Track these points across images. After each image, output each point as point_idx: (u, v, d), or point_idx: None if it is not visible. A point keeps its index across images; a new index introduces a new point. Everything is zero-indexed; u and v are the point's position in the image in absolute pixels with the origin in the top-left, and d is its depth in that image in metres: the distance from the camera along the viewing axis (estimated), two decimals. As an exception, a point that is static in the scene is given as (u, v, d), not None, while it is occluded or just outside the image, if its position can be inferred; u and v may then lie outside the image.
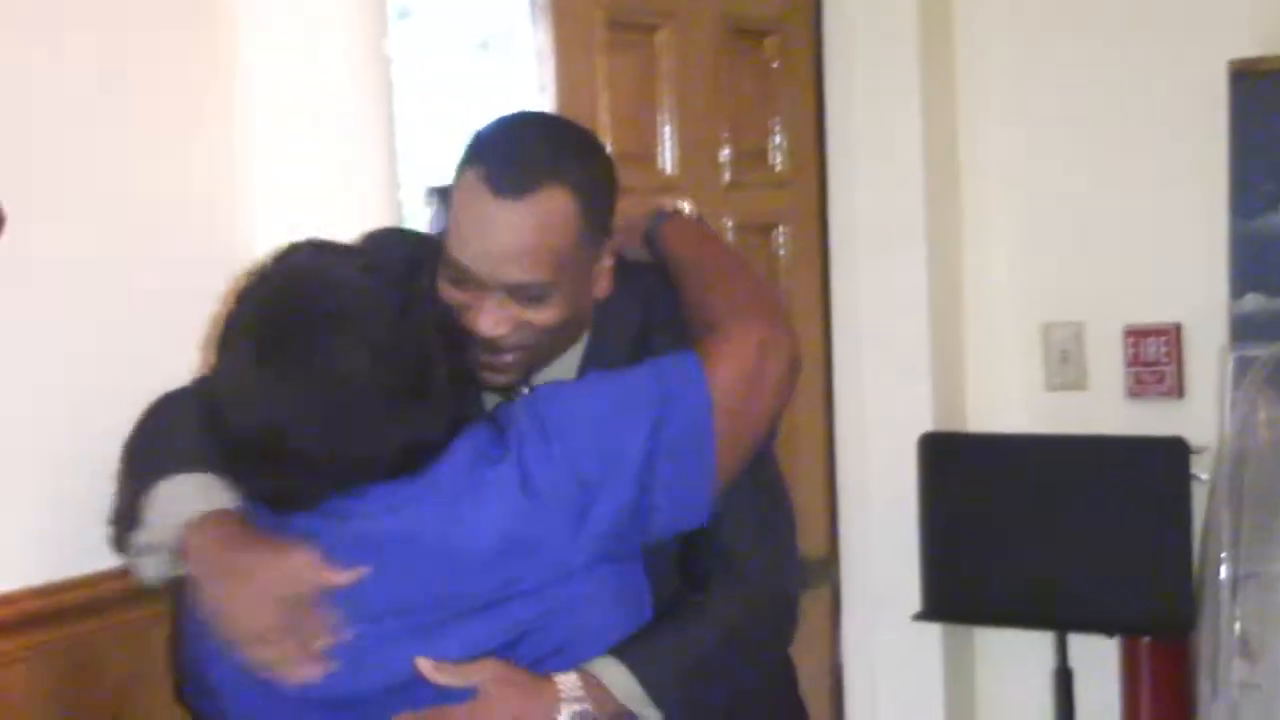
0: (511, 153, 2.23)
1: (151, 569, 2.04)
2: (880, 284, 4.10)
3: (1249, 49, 3.99)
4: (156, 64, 2.56)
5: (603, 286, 2.34)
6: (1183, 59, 4.06)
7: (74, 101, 2.38)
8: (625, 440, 2.07)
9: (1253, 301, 3.99)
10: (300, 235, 2.37)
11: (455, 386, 2.11)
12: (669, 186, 3.83)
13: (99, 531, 2.22)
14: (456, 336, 2.16)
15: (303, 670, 2.01)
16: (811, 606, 3.85)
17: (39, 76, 2.31)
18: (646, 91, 3.84)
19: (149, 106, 2.53)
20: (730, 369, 2.14)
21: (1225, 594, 3.84)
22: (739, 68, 4.06)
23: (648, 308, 2.41)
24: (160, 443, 2.14)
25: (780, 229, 4.25)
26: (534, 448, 2.05)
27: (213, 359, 2.09)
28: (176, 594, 2.09)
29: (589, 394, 2.15)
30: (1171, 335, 4.15)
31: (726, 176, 4.06)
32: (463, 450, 2.06)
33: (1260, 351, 3.89)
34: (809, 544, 3.86)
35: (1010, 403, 4.26)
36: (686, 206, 2.58)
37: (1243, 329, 3.97)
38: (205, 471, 2.07)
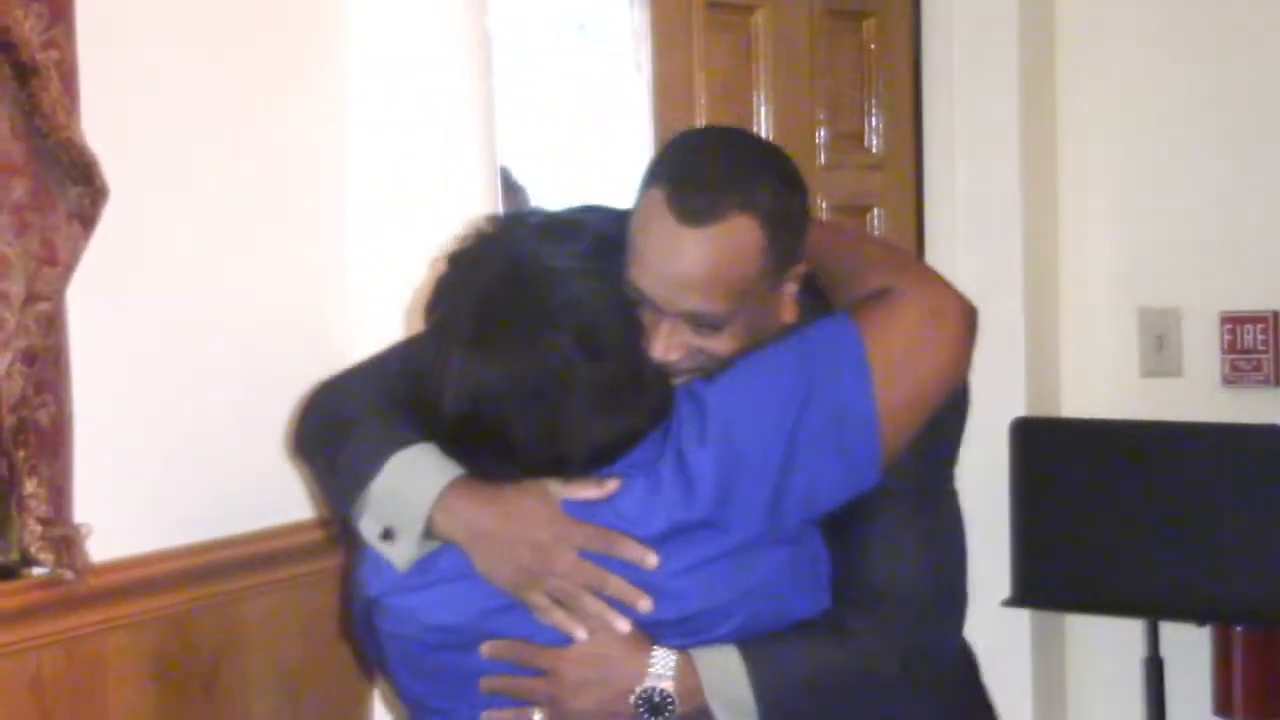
0: (699, 175, 2.08)
1: (400, 553, 2.05)
2: (975, 267, 4.09)
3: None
4: (262, 62, 2.59)
5: (788, 312, 2.20)
6: (1283, 46, 4.04)
7: (177, 100, 2.41)
8: (772, 420, 2.04)
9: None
10: (402, 220, 2.40)
11: (661, 381, 2.09)
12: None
13: (196, 503, 2.26)
14: None
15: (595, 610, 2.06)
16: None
17: (139, 76, 2.33)
18: (743, 72, 3.83)
19: (257, 103, 2.56)
20: (895, 335, 2.07)
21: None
22: (836, 49, 4.06)
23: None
24: (356, 428, 2.14)
25: (875, 211, 4.25)
26: (690, 434, 2.05)
27: (423, 334, 2.10)
28: (350, 544, 2.16)
29: (743, 376, 2.08)
30: (1269, 322, 4.13)
31: (822, 158, 4.07)
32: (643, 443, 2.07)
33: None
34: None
35: (1104, 388, 4.25)
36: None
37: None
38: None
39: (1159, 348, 4.21)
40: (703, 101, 3.68)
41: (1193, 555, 3.79)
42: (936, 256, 4.20)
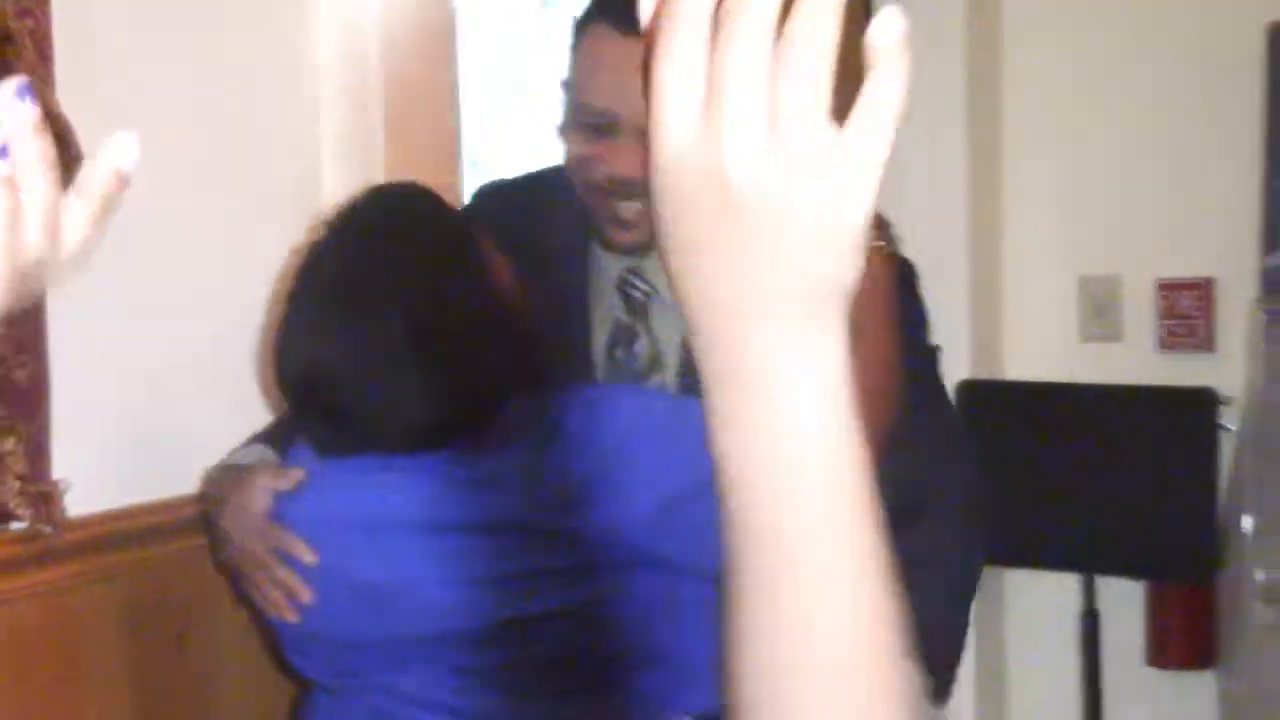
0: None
1: None
2: (922, 235, 4.09)
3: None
4: (230, 33, 2.58)
5: None
6: (1222, 19, 4.05)
7: (148, 67, 2.39)
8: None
9: (1282, 258, 4.01)
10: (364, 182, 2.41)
11: (502, 378, 2.10)
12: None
13: (171, 459, 2.28)
14: (528, 333, 2.18)
15: (274, 606, 2.12)
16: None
17: (110, 43, 2.32)
18: None
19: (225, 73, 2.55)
20: None
21: (1249, 541, 3.86)
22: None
23: None
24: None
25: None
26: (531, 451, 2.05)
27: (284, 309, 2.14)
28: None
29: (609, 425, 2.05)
30: (1204, 289, 4.15)
31: None
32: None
33: (1286, 304, 3.93)
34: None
35: (1046, 353, 4.27)
36: None
37: (1274, 283, 3.95)
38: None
39: (1098, 314, 4.24)
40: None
41: (1129, 512, 3.84)
42: (884, 224, 4.21)
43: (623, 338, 2.35)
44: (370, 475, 2.08)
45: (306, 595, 2.09)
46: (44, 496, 2.13)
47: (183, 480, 2.33)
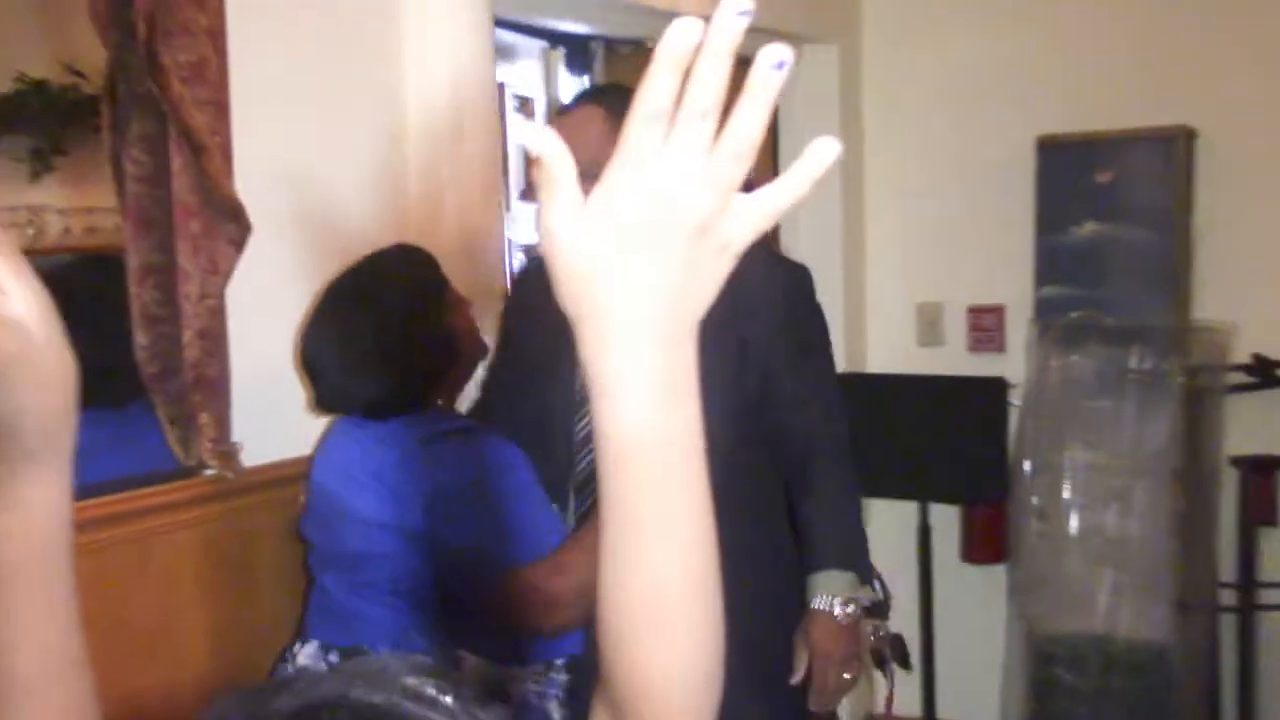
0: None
1: None
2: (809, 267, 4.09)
3: (1051, 127, 4.01)
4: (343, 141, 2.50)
5: None
6: (1009, 131, 4.06)
7: (295, 167, 2.36)
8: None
9: (1050, 290, 4.01)
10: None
11: (420, 382, 2.10)
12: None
13: (306, 427, 2.27)
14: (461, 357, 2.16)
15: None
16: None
17: (269, 152, 2.29)
18: None
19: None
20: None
21: (1027, 477, 3.91)
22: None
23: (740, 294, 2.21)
24: None
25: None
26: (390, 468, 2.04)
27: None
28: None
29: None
30: (998, 312, 4.17)
31: None
32: (402, 424, 2.07)
33: (1053, 322, 3.94)
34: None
35: (894, 354, 4.27)
36: None
37: (1043, 308, 4.00)
38: None
39: (929, 328, 4.26)
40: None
41: (950, 458, 3.85)
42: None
43: None
44: (350, 431, 2.12)
45: (302, 499, 2.16)
46: (227, 453, 2.14)
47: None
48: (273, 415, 2.26)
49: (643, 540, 0.74)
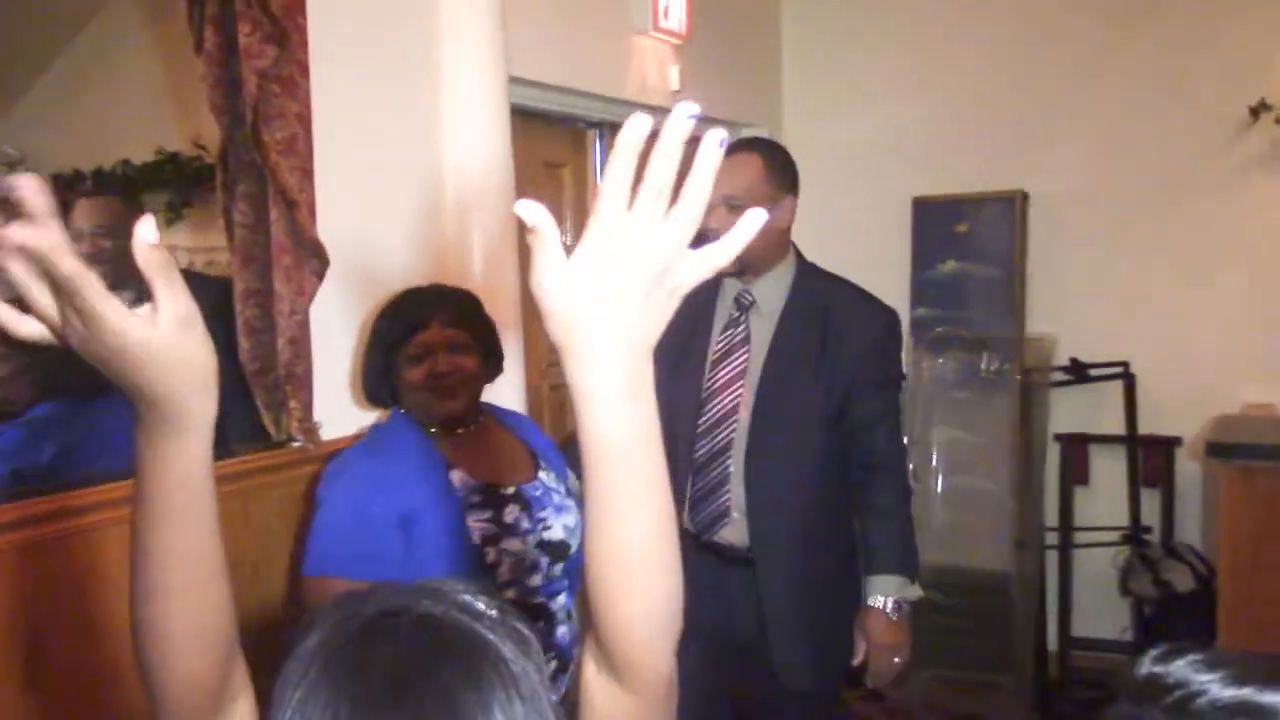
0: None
1: None
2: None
3: (924, 190, 4.04)
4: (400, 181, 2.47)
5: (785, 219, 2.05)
6: (890, 191, 4.09)
7: (366, 214, 2.32)
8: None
9: (922, 310, 4.04)
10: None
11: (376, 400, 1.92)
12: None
13: (364, 410, 2.24)
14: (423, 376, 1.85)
15: None
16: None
17: (343, 203, 2.26)
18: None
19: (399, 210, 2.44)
20: None
21: (907, 448, 3.93)
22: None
23: (835, 323, 2.05)
24: None
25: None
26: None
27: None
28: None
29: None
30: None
31: None
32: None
33: (924, 334, 3.95)
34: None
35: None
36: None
37: (917, 324, 4.01)
38: None
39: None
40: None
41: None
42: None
43: (732, 323, 2.11)
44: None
45: None
46: (310, 429, 2.13)
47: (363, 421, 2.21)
48: (342, 401, 2.23)
49: (617, 511, 0.73)
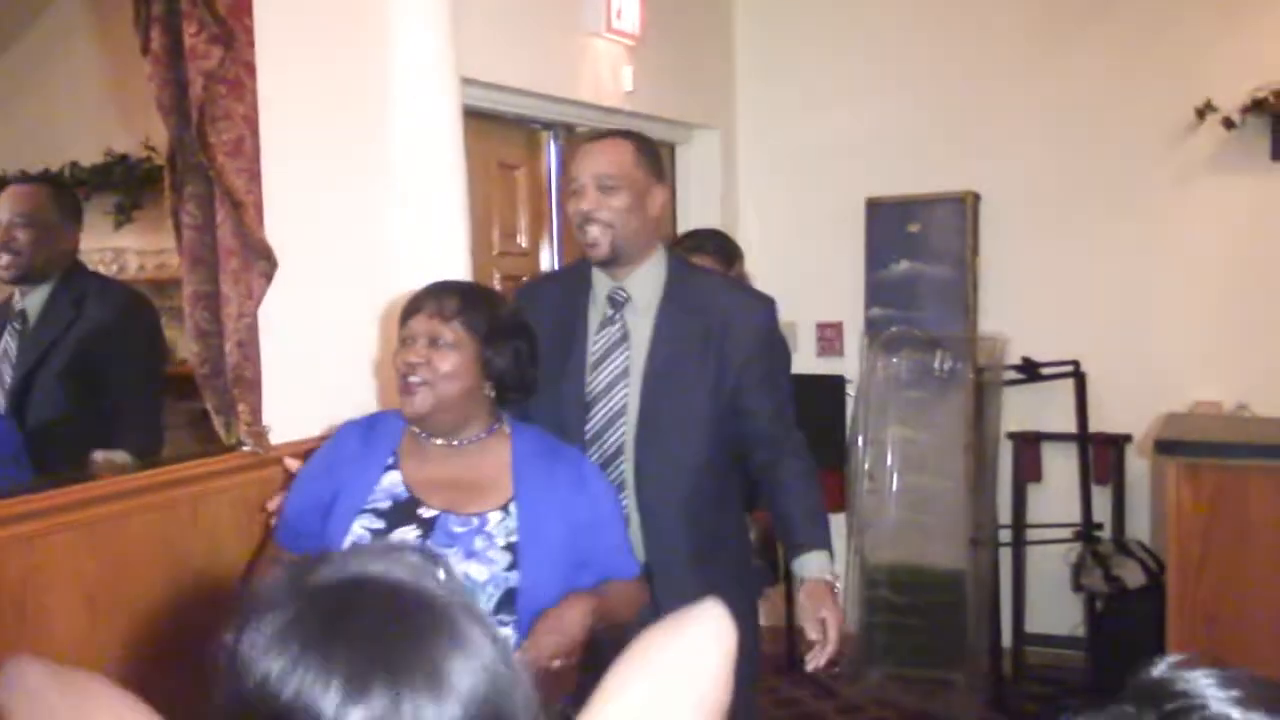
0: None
1: None
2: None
3: (876, 191, 4.07)
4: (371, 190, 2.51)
5: (656, 208, 1.96)
6: (846, 194, 4.11)
7: (317, 217, 2.31)
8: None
9: (876, 310, 4.07)
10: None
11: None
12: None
13: (318, 416, 2.21)
14: None
15: None
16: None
17: (292, 205, 2.24)
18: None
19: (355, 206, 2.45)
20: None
21: (860, 450, 3.97)
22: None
23: (716, 315, 1.99)
24: None
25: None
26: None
27: None
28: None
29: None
30: (839, 326, 4.21)
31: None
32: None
33: (878, 334, 3.98)
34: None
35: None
36: None
37: (871, 323, 4.05)
38: None
39: (791, 337, 4.27)
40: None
41: (806, 434, 3.88)
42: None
43: (607, 321, 2.01)
44: None
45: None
46: (259, 433, 2.12)
47: (323, 423, 2.18)
48: (292, 406, 2.22)
49: None
